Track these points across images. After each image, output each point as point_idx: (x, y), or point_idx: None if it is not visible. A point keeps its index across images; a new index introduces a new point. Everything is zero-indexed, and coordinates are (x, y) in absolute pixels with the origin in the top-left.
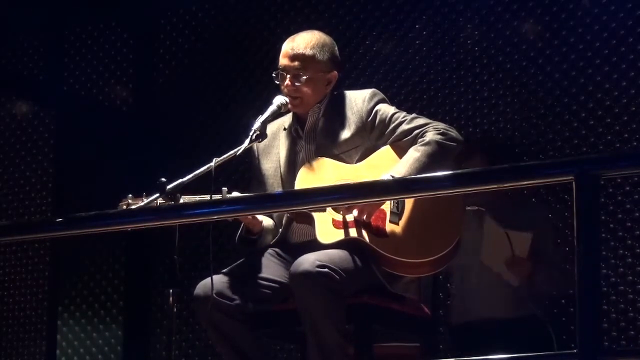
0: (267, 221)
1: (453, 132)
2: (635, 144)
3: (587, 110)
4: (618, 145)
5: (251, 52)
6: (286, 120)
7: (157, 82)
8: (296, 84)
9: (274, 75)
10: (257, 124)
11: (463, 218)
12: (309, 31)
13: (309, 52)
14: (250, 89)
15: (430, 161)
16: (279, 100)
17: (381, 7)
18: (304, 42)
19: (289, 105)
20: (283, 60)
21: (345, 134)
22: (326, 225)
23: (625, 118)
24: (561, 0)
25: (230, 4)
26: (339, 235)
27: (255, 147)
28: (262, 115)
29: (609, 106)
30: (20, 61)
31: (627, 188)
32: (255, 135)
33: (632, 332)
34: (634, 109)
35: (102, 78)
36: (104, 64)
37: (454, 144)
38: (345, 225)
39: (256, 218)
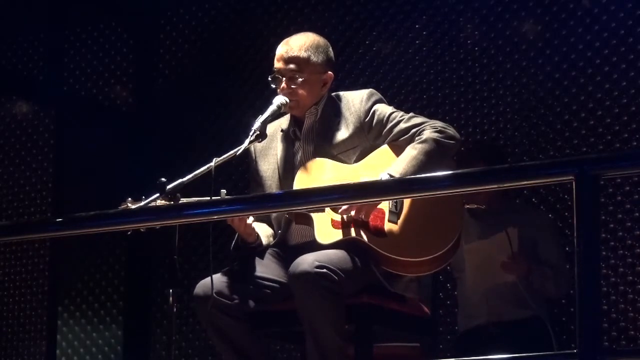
0: (261, 228)
1: (451, 130)
2: (635, 144)
3: (587, 110)
4: (618, 145)
5: (251, 52)
6: (283, 122)
7: (157, 82)
8: (292, 86)
9: (269, 79)
10: (257, 124)
11: (462, 216)
12: (302, 33)
13: (303, 54)
14: (250, 89)
15: (428, 159)
16: (279, 100)
17: (381, 7)
18: (298, 44)
19: (289, 106)
20: (278, 64)
21: (343, 134)
22: (325, 226)
23: (625, 118)
24: (561, 0)
25: (230, 4)
26: (338, 235)
27: (252, 149)
28: (262, 115)
29: (609, 106)
30: (20, 61)
31: (627, 188)
32: (255, 135)
33: (632, 332)
34: (634, 109)
35: (102, 78)
36: (104, 64)
37: (452, 141)
38: (343, 226)
39: (250, 227)
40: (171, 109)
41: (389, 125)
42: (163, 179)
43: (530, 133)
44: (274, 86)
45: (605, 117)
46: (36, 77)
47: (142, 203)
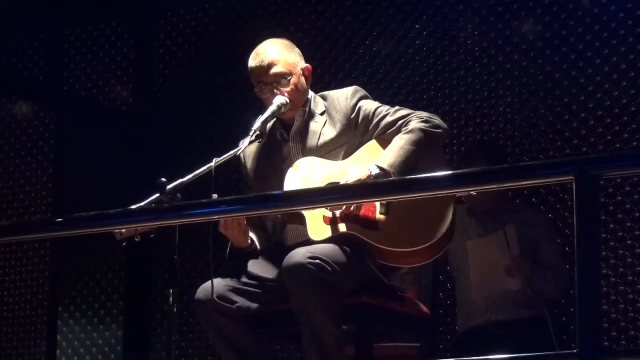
0: (256, 233)
1: (436, 120)
2: (635, 144)
3: (587, 110)
4: (618, 145)
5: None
6: (270, 125)
7: (157, 82)
8: (281, 88)
9: (257, 93)
10: (257, 123)
11: (453, 205)
12: (264, 42)
13: (279, 56)
14: (250, 89)
15: (415, 148)
16: (279, 100)
17: (381, 7)
18: (269, 51)
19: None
20: (259, 77)
21: (331, 133)
22: (317, 223)
23: (625, 118)
24: (561, 0)
25: (230, 3)
26: (330, 231)
27: (241, 154)
28: (262, 115)
29: (609, 106)
30: (20, 61)
31: (627, 188)
32: (255, 135)
33: (632, 332)
34: (634, 109)
35: (102, 78)
36: (104, 64)
37: (438, 130)
38: (335, 221)
39: (242, 234)
40: (171, 109)
41: (375, 120)
42: (163, 179)
43: (530, 133)
44: (262, 98)
45: (605, 117)
46: (36, 77)
47: (142, 203)
